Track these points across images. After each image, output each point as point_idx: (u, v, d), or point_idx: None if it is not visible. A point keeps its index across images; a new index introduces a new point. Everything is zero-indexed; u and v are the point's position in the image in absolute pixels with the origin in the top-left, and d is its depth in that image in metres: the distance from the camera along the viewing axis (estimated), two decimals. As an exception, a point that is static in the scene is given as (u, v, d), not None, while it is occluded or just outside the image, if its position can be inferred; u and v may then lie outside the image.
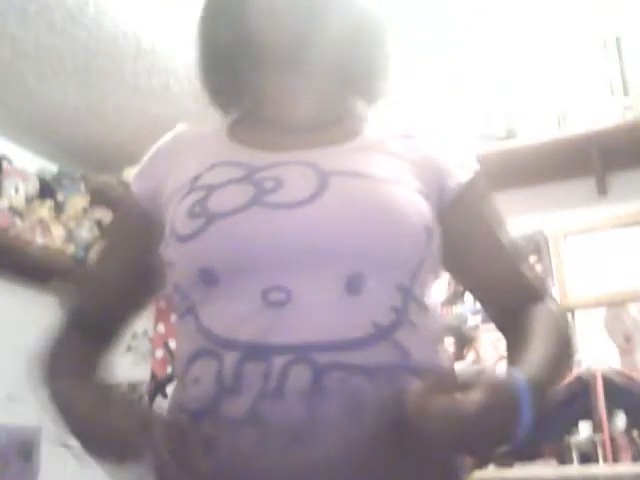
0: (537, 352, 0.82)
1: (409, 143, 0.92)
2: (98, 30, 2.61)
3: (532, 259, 2.56)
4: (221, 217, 0.79)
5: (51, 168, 3.41)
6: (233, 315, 0.78)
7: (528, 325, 0.87)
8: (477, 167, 0.94)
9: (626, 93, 2.49)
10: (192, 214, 0.82)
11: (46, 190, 3.20)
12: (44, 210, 3.03)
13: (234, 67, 0.95)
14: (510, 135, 2.62)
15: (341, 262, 0.77)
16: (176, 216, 0.84)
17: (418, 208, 0.82)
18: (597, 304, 2.45)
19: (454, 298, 2.60)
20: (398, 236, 0.80)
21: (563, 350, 0.88)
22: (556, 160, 2.56)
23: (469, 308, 2.57)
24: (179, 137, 0.99)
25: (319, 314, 0.76)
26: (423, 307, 0.82)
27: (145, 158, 0.99)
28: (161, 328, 3.45)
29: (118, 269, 0.97)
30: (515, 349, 0.85)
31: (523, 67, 2.77)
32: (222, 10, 0.95)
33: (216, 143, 0.94)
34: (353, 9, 0.93)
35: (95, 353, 0.97)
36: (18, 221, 2.90)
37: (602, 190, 2.53)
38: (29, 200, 3.08)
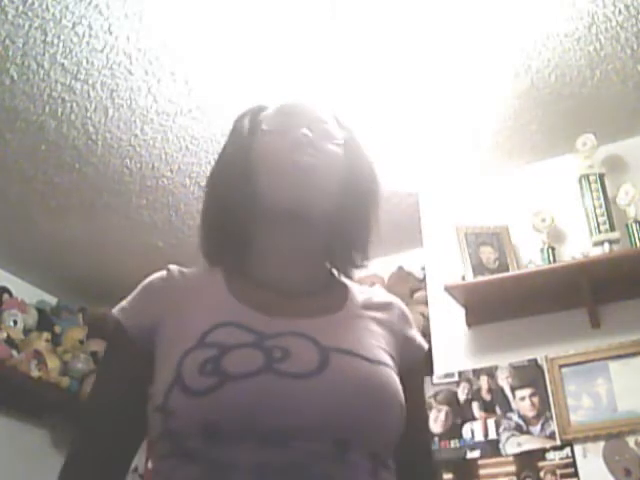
0: None
1: (384, 312, 1.04)
2: (105, 167, 2.73)
3: (528, 391, 2.55)
4: (235, 379, 0.85)
5: (50, 300, 3.45)
6: (230, 454, 0.83)
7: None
8: (425, 346, 1.09)
9: (612, 228, 2.58)
10: (204, 371, 0.86)
11: (44, 322, 3.23)
12: (41, 342, 3.05)
13: (238, 226, 1.03)
14: (502, 267, 2.69)
15: (333, 430, 0.85)
16: (185, 369, 0.87)
17: (397, 388, 0.93)
18: (596, 437, 2.41)
19: (452, 432, 2.56)
20: (385, 412, 0.90)
21: None
22: (548, 292, 2.61)
23: (467, 442, 2.53)
24: (173, 278, 1.02)
25: (308, 455, 0.83)
26: (388, 468, 0.92)
27: (135, 294, 1.02)
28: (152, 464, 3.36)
29: (119, 401, 0.99)
30: None
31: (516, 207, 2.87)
32: (231, 172, 1.04)
33: (217, 296, 0.99)
34: (356, 183, 1.05)
35: None
36: (15, 353, 2.91)
37: (595, 323, 2.56)
38: (27, 332, 3.10)
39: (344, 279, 1.08)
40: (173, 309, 0.97)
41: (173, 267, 1.04)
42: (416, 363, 1.05)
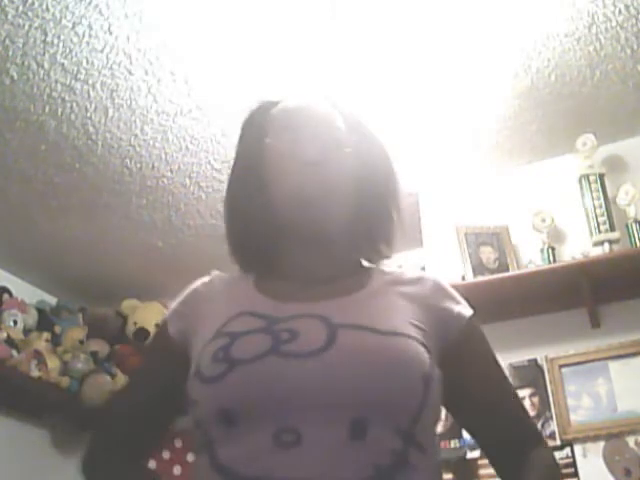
0: None
1: (415, 286, 1.02)
2: (105, 167, 2.73)
3: (528, 391, 2.55)
4: (241, 364, 0.87)
5: (50, 300, 3.45)
6: (246, 453, 0.83)
7: (524, 475, 0.96)
8: (472, 311, 1.04)
9: (612, 228, 2.58)
10: (216, 359, 0.89)
11: (44, 322, 3.22)
12: (41, 342, 3.04)
13: (260, 240, 1.05)
14: (502, 267, 2.69)
15: (347, 409, 0.83)
16: (202, 359, 0.92)
17: (418, 358, 0.89)
18: (596, 437, 2.41)
19: (452, 432, 2.56)
20: (398, 386, 0.86)
21: None
22: (548, 292, 2.61)
23: (468, 442, 2.53)
24: (214, 283, 1.07)
25: (324, 456, 0.81)
26: (422, 449, 0.87)
27: (181, 299, 1.07)
28: (152, 465, 3.36)
29: (152, 393, 1.05)
30: None
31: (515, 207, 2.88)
32: (246, 189, 1.05)
33: (244, 293, 1.02)
34: (371, 193, 1.05)
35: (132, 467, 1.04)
36: (15, 353, 2.91)
37: (595, 323, 2.56)
38: (27, 332, 3.10)
39: (371, 266, 1.08)
40: (206, 312, 1.01)
41: (215, 273, 1.09)
42: (460, 333, 0.99)
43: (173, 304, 1.07)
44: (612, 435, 2.40)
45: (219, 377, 0.87)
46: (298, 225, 0.99)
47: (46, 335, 3.11)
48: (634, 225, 2.57)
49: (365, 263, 1.08)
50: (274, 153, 1.01)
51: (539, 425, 2.48)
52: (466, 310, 1.03)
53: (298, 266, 1.02)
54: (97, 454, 1.06)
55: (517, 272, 2.66)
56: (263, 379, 0.85)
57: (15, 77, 2.29)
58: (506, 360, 2.63)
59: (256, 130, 1.06)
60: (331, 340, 0.87)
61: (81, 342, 3.24)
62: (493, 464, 1.03)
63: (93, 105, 2.43)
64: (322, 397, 0.83)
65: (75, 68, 2.28)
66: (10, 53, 2.20)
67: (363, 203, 1.03)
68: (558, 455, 2.41)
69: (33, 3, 2.04)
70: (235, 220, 1.06)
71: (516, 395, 1.06)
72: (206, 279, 1.08)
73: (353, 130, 1.06)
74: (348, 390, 0.84)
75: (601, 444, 2.41)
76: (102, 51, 2.22)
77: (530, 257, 2.73)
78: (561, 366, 2.56)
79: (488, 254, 2.74)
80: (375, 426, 0.83)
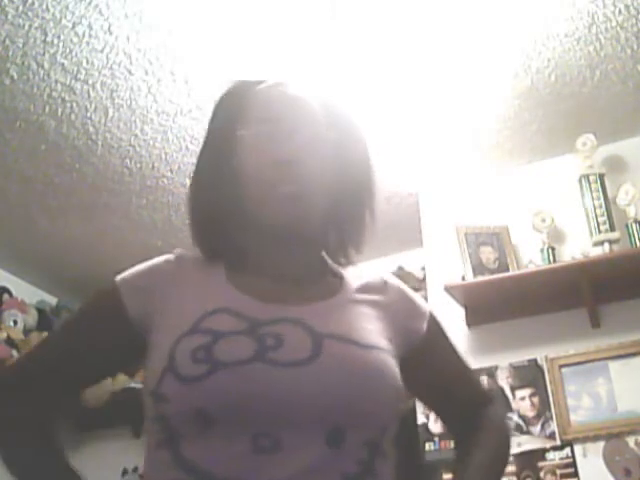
0: (480, 467, 1.01)
1: (382, 294, 1.04)
2: (105, 168, 2.73)
3: (528, 391, 2.55)
4: (225, 367, 0.84)
5: (50, 300, 3.45)
6: (221, 454, 0.83)
7: (475, 436, 1.06)
8: (429, 316, 1.08)
9: (612, 228, 2.58)
10: (196, 358, 0.86)
11: (44, 322, 3.23)
12: (41, 342, 3.04)
13: (228, 230, 1.02)
14: (502, 267, 2.69)
15: (327, 419, 0.85)
16: (178, 355, 0.87)
17: (392, 372, 0.92)
18: (596, 437, 2.41)
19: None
20: (376, 399, 0.88)
21: (503, 459, 1.10)
22: (548, 292, 2.61)
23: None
24: (180, 264, 1.01)
25: (300, 463, 0.82)
26: (385, 456, 0.91)
27: (140, 271, 1.01)
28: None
29: (79, 350, 1.00)
30: (463, 459, 1.03)
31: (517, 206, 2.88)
32: (216, 178, 1.01)
33: (216, 283, 0.98)
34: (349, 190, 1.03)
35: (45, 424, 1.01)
36: (15, 353, 2.91)
37: (595, 323, 2.56)
38: (27, 332, 3.10)
39: (338, 268, 1.06)
40: (173, 295, 0.96)
41: (180, 251, 1.04)
42: (421, 341, 1.04)
43: (128, 276, 1.01)
44: (612, 435, 2.40)
45: (200, 378, 0.84)
46: (269, 223, 0.96)
47: (46, 335, 3.11)
48: (634, 225, 2.57)
49: (331, 264, 1.06)
50: (248, 146, 0.97)
51: (539, 425, 2.48)
52: (425, 321, 1.06)
53: (268, 262, 0.99)
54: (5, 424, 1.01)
55: (517, 272, 2.66)
56: (248, 385, 0.84)
57: (15, 77, 2.29)
58: (506, 360, 2.63)
59: (232, 114, 1.01)
60: (317, 351, 0.88)
61: (81, 342, 3.24)
62: (449, 429, 1.14)
63: (93, 105, 2.44)
64: (306, 407, 0.84)
65: (75, 68, 2.28)
66: (10, 53, 2.20)
67: (338, 204, 1.01)
68: (558, 455, 2.42)
69: (33, 3, 2.04)
70: (202, 207, 1.02)
71: (468, 367, 1.13)
72: (170, 257, 1.02)
73: (333, 125, 1.01)
74: (331, 401, 0.85)
75: (601, 444, 2.41)
76: (102, 51, 2.23)
77: (530, 257, 2.73)
78: (561, 366, 2.56)
79: (488, 254, 2.74)
80: (350, 436, 0.85)
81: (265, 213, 0.96)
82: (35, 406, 1.00)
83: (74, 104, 2.42)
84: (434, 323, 1.09)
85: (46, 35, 2.15)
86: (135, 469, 3.25)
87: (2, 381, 1.03)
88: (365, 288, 1.03)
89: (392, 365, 0.93)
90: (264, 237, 0.99)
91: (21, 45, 2.18)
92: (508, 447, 1.12)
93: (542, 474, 2.41)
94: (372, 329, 0.96)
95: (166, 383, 0.86)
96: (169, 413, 0.86)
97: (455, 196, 2.99)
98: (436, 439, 2.58)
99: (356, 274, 1.06)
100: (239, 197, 0.98)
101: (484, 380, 2.59)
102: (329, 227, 1.03)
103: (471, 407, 1.10)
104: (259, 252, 1.01)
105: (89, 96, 2.40)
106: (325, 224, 1.02)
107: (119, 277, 1.01)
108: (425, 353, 1.04)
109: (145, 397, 0.91)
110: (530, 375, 2.58)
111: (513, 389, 2.58)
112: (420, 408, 2.63)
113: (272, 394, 0.84)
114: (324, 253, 1.06)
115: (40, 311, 3.26)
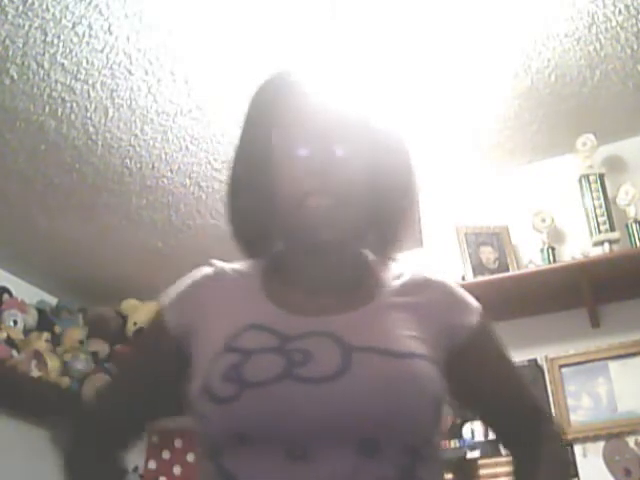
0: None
1: (423, 295, 1.00)
2: (105, 168, 2.73)
3: (529, 391, 2.55)
4: (254, 387, 0.86)
5: (50, 300, 3.45)
6: (257, 467, 0.85)
7: (534, 451, 1.01)
8: (479, 317, 1.03)
9: (612, 228, 2.58)
10: (227, 378, 0.87)
11: (44, 322, 3.23)
12: (41, 342, 3.05)
13: (264, 237, 1.02)
14: (502, 267, 2.69)
15: (356, 433, 0.84)
16: (211, 375, 0.89)
17: (431, 380, 0.89)
18: (596, 437, 2.42)
19: (452, 432, 2.56)
20: (412, 411, 0.86)
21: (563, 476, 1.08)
22: (548, 292, 2.61)
23: (468, 442, 2.53)
24: (218, 278, 1.02)
25: (329, 471, 0.82)
26: (428, 461, 0.89)
27: (180, 290, 1.03)
28: (152, 465, 3.37)
29: (140, 382, 1.04)
30: (522, 474, 1.02)
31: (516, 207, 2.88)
32: (252, 180, 1.00)
33: (251, 296, 0.99)
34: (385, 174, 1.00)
35: (112, 457, 1.06)
36: (15, 353, 2.91)
37: (595, 323, 2.56)
38: (27, 332, 3.10)
39: (375, 266, 1.03)
40: (211, 312, 0.98)
41: (218, 264, 1.04)
42: (466, 340, 0.99)
43: (170, 295, 1.03)
44: (612, 435, 2.40)
45: (231, 399, 0.85)
46: (303, 235, 0.95)
47: (46, 335, 3.11)
48: (634, 225, 2.57)
49: (370, 260, 1.04)
50: (281, 154, 0.96)
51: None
52: (473, 316, 1.02)
53: (303, 273, 0.99)
54: (79, 447, 1.08)
55: (517, 272, 2.66)
56: (276, 404, 0.85)
57: (15, 77, 2.29)
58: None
59: (267, 118, 1.00)
60: (346, 365, 0.86)
61: (81, 342, 3.24)
62: (504, 445, 1.11)
63: (93, 105, 2.43)
64: (334, 423, 0.84)
65: (75, 68, 2.28)
66: (10, 53, 2.20)
67: (377, 211, 0.99)
68: (558, 455, 2.42)
69: (33, 3, 2.04)
70: (240, 217, 1.02)
71: (523, 380, 1.11)
72: (209, 271, 1.03)
73: (367, 129, 0.99)
74: (360, 417, 0.84)
75: (601, 444, 2.41)
76: (102, 51, 2.22)
77: (530, 257, 2.73)
78: (561, 366, 2.56)
79: (488, 254, 2.74)
80: (385, 446, 0.84)
81: (297, 226, 0.95)
82: (109, 439, 1.05)
83: (74, 104, 2.42)
84: (485, 323, 1.03)
85: (46, 35, 2.15)
86: (135, 469, 3.25)
87: (87, 411, 1.13)
88: (404, 289, 1.00)
89: (430, 372, 0.90)
90: (297, 247, 0.99)
91: (21, 45, 2.18)
92: (569, 467, 1.10)
93: (542, 474, 2.40)
94: (409, 335, 0.93)
95: (202, 403, 0.89)
96: (209, 431, 0.89)
97: (455, 196, 2.99)
98: (436, 439, 2.58)
99: (396, 272, 1.03)
100: (276, 208, 0.97)
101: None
102: (368, 230, 1.01)
103: (526, 422, 1.05)
104: (295, 262, 1.00)
105: (89, 96, 2.39)
106: (364, 228, 1.00)
107: (162, 301, 1.04)
108: (473, 351, 1.00)
109: (191, 412, 0.93)
110: (530, 375, 2.58)
111: (513, 389, 2.58)
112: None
113: (300, 411, 0.84)
114: (364, 258, 1.03)
115: (40, 311, 3.26)
